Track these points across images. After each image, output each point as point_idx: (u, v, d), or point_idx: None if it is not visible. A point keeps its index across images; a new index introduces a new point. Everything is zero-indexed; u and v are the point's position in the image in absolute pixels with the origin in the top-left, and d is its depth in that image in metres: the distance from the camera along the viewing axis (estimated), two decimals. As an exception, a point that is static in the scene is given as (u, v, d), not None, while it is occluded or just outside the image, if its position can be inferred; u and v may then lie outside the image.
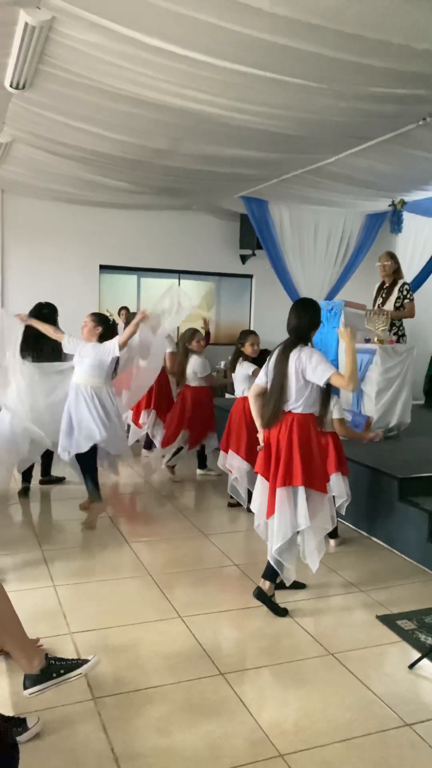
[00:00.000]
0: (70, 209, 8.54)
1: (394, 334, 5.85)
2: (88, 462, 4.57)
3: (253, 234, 8.36)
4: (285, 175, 6.55)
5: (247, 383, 4.91)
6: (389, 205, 7.45)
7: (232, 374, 5.13)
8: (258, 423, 3.53)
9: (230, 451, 4.95)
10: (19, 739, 2.09)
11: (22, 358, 4.85)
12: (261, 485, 3.44)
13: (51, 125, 5.09)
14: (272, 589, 3.36)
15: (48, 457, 5.41)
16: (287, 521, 3.25)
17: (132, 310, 8.11)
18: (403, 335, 5.97)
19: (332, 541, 4.23)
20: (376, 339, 5.51)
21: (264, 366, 3.49)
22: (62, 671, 2.36)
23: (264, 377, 3.47)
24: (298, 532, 3.31)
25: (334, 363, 4.29)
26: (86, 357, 4.56)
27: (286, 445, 3.27)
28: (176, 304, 5.01)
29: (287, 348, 3.34)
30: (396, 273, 6.05)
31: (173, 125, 4.85)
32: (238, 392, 5.04)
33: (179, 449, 5.93)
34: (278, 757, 2.20)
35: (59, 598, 3.39)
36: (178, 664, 2.77)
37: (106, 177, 6.72)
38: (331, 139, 5.19)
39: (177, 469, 5.99)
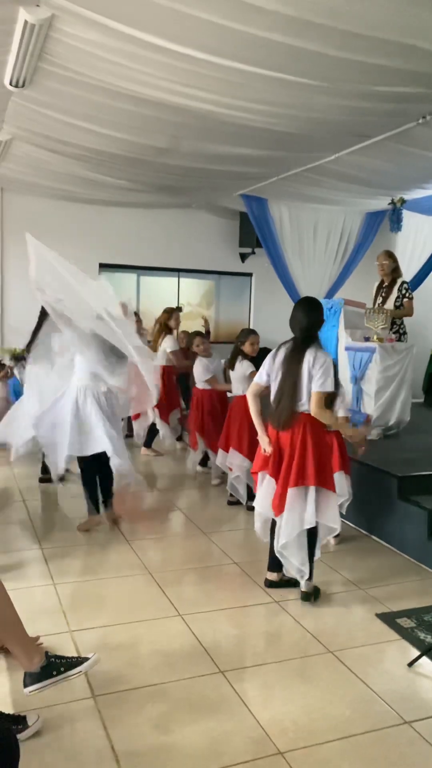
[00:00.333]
0: (70, 207, 8.53)
1: (395, 332, 5.85)
2: (90, 474, 4.46)
3: (253, 232, 8.35)
4: (285, 173, 6.55)
5: (247, 382, 4.92)
6: (389, 204, 7.45)
7: (230, 372, 5.11)
8: (257, 422, 3.51)
9: (231, 449, 4.95)
10: (19, 736, 2.09)
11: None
12: (268, 485, 3.42)
13: (51, 123, 5.09)
14: (281, 576, 3.51)
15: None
16: (296, 520, 3.30)
17: (131, 308, 8.08)
18: (404, 333, 5.97)
19: (332, 540, 4.24)
20: (375, 337, 5.52)
21: (264, 365, 3.48)
22: (62, 669, 2.36)
23: (265, 377, 3.46)
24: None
25: (334, 361, 4.28)
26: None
27: (300, 446, 3.30)
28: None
29: (298, 348, 3.34)
30: (394, 272, 6.05)
31: (173, 123, 4.84)
32: (237, 391, 5.04)
33: (206, 458, 5.89)
34: (278, 754, 2.20)
35: (59, 596, 3.40)
36: (178, 661, 2.78)
37: (106, 175, 6.72)
38: (331, 138, 5.19)
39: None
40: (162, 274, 9.24)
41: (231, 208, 8.69)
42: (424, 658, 2.82)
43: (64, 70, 4.01)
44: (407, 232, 7.97)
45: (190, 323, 8.41)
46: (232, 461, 4.95)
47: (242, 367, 4.94)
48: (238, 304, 9.89)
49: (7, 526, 4.53)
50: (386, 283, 6.08)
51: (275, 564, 3.54)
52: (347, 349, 5.69)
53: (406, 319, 6.06)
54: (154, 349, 6.44)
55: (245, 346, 4.96)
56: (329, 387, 3.28)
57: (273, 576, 3.56)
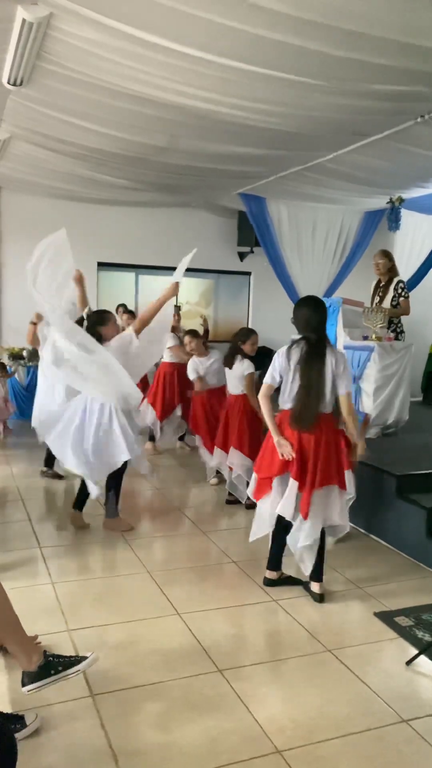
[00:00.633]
0: (68, 206, 8.53)
1: (393, 331, 5.86)
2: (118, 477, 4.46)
3: (252, 231, 8.35)
4: (283, 172, 6.55)
5: (242, 382, 4.92)
6: (387, 203, 7.44)
7: (228, 370, 5.06)
8: (273, 426, 3.38)
9: (232, 449, 4.94)
10: (17, 736, 2.10)
11: None
12: (291, 489, 3.33)
13: (49, 122, 5.08)
14: (280, 575, 3.54)
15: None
16: (320, 521, 3.33)
17: (130, 308, 8.07)
18: (402, 332, 5.98)
19: (330, 538, 4.24)
20: (374, 336, 5.52)
21: (275, 366, 3.39)
22: (60, 668, 2.36)
23: (278, 377, 3.39)
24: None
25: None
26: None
27: (325, 446, 3.31)
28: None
29: (317, 348, 3.31)
30: (390, 271, 6.05)
31: (171, 122, 4.84)
32: (235, 390, 5.03)
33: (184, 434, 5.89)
34: (276, 753, 2.21)
35: (57, 595, 3.40)
36: (176, 660, 2.78)
37: (104, 174, 6.71)
38: (330, 136, 5.18)
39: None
40: (160, 272, 9.22)
41: (229, 207, 8.68)
42: (423, 657, 2.82)
43: (62, 68, 4.01)
44: (406, 230, 7.96)
45: (188, 322, 8.41)
46: (233, 461, 4.95)
47: (242, 366, 4.93)
48: (236, 302, 9.89)
49: (6, 525, 4.52)
50: (383, 283, 6.09)
51: (275, 563, 3.55)
52: (346, 348, 5.68)
53: (403, 318, 6.06)
54: None
55: (246, 346, 4.95)
56: (351, 383, 3.37)
57: (273, 575, 3.57)
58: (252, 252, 9.28)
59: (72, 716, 2.38)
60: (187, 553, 4.12)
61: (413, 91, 4.03)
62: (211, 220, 9.37)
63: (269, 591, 3.51)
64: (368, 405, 5.47)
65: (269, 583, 3.56)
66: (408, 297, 5.97)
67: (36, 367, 7.04)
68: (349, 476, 3.93)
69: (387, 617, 3.24)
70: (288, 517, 3.34)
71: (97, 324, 4.30)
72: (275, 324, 8.47)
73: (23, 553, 3.97)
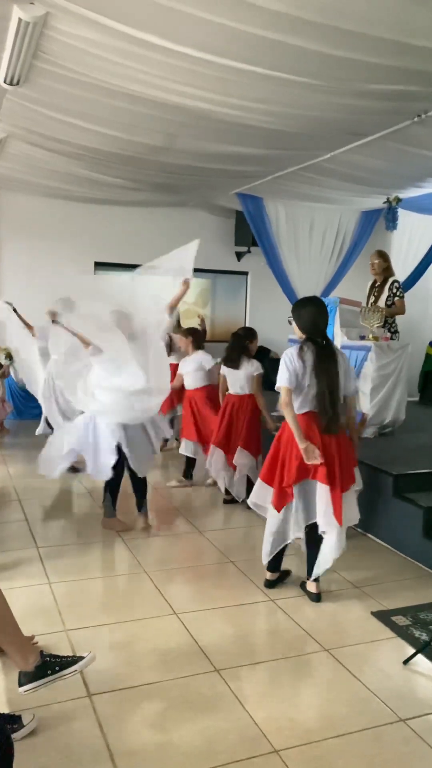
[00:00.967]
0: (65, 206, 8.52)
1: (387, 331, 5.87)
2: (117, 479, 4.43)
3: (249, 231, 8.34)
4: (280, 171, 6.54)
5: (250, 382, 4.91)
6: (384, 202, 7.44)
7: (234, 370, 4.95)
8: (298, 432, 3.21)
9: (240, 449, 4.90)
10: (14, 736, 2.09)
11: None
12: (321, 495, 3.25)
13: (46, 121, 5.08)
14: (279, 574, 3.58)
15: None
16: (346, 524, 3.35)
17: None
18: (396, 332, 5.99)
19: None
20: (371, 336, 5.53)
21: (290, 369, 3.24)
22: (57, 668, 2.36)
23: (294, 380, 3.23)
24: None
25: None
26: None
27: (345, 448, 3.33)
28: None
29: (328, 349, 3.30)
30: (386, 271, 6.07)
31: (168, 122, 4.84)
32: (241, 390, 4.98)
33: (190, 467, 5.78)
34: (273, 752, 2.21)
35: (54, 595, 3.39)
36: (174, 660, 2.78)
37: (102, 174, 6.70)
38: (327, 136, 5.18)
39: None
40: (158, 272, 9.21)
41: (227, 207, 8.68)
42: (420, 656, 2.83)
43: (59, 68, 4.00)
44: (402, 230, 7.97)
45: (186, 322, 8.41)
46: (239, 461, 4.92)
47: (252, 366, 4.92)
48: (234, 302, 9.89)
49: (3, 525, 4.52)
50: (378, 282, 6.11)
51: (276, 564, 3.55)
52: (343, 347, 5.69)
53: (400, 318, 6.07)
54: None
55: (252, 345, 5.00)
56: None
57: (273, 576, 3.57)
58: (249, 252, 9.28)
59: (69, 716, 2.38)
60: (184, 553, 4.12)
61: (410, 91, 4.04)
62: (209, 220, 9.36)
63: (267, 591, 3.51)
64: (365, 404, 5.47)
65: (270, 584, 3.55)
66: (403, 297, 5.98)
67: None
68: (357, 474, 3.94)
69: (384, 617, 3.24)
70: (323, 527, 3.27)
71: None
72: (272, 324, 8.47)
73: (20, 553, 3.97)
